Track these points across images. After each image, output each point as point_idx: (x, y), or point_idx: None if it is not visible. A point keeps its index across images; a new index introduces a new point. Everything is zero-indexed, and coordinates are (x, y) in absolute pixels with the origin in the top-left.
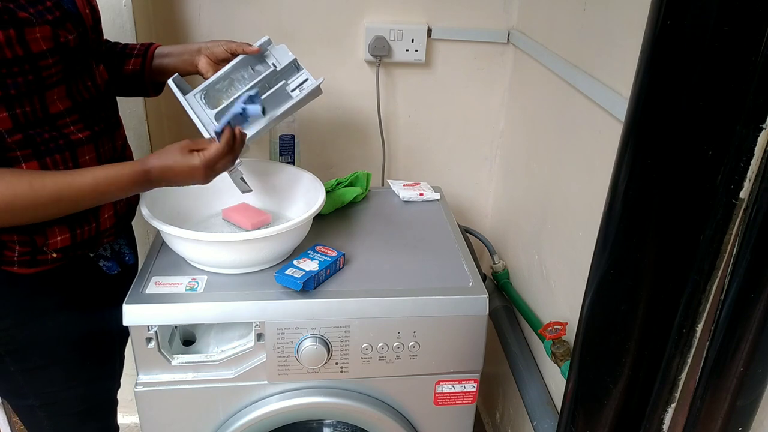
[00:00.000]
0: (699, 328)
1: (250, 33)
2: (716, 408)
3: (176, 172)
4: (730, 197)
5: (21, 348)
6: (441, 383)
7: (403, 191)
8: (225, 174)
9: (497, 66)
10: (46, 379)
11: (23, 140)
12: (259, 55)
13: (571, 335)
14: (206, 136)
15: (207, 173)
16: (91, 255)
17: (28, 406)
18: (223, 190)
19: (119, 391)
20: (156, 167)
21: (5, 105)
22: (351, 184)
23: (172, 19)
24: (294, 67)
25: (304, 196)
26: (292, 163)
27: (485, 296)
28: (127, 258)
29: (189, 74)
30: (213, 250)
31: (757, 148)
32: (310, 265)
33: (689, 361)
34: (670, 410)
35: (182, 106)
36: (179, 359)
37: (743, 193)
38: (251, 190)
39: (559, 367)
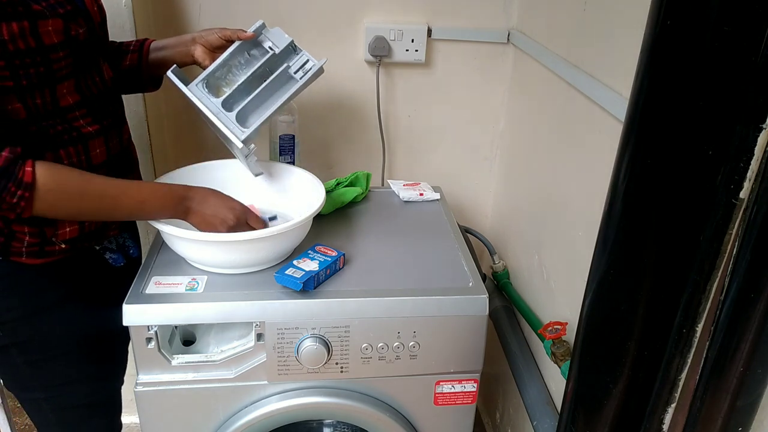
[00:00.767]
0: (699, 328)
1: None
2: (716, 408)
3: (213, 207)
4: (730, 197)
5: (28, 340)
6: (441, 383)
7: (403, 191)
8: (225, 174)
9: (497, 66)
10: (52, 371)
11: (37, 132)
12: (255, 41)
13: (571, 335)
14: (217, 124)
15: (239, 219)
16: (97, 247)
17: (34, 399)
18: (222, 190)
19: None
20: (199, 192)
21: (18, 96)
22: (351, 184)
23: (171, 19)
24: (291, 49)
25: (304, 196)
26: (292, 163)
27: (485, 296)
28: (131, 251)
29: (186, 65)
30: (213, 250)
31: (757, 148)
32: (310, 265)
33: (689, 361)
34: (670, 410)
35: (186, 99)
36: (179, 359)
37: (743, 193)
38: (263, 173)
39: (559, 367)
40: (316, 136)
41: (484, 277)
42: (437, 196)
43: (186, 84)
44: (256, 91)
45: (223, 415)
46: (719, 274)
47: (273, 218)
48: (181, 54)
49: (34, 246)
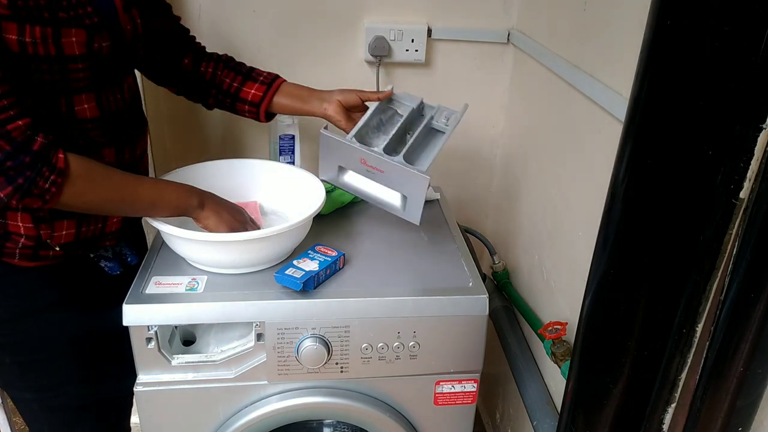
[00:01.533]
0: (699, 328)
1: (249, 33)
2: (716, 408)
3: (225, 210)
4: (730, 197)
5: (17, 341)
6: (441, 383)
7: None
8: (225, 174)
9: (497, 66)
10: (42, 373)
11: (54, 135)
12: (384, 104)
13: (571, 335)
14: (391, 163)
15: (243, 225)
16: (92, 255)
17: (25, 400)
18: (223, 190)
19: None
20: (213, 196)
21: (33, 99)
22: None
23: None
24: (422, 105)
25: (304, 196)
26: (292, 163)
27: (485, 296)
28: (129, 259)
29: (311, 116)
30: (213, 250)
31: (757, 148)
32: (310, 265)
33: (689, 361)
34: (670, 410)
35: (333, 149)
36: (179, 359)
37: (743, 193)
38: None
39: (559, 367)
40: (316, 136)
41: (484, 277)
42: (437, 196)
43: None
44: (411, 140)
45: (223, 415)
46: (719, 274)
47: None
48: (313, 108)
49: (28, 249)
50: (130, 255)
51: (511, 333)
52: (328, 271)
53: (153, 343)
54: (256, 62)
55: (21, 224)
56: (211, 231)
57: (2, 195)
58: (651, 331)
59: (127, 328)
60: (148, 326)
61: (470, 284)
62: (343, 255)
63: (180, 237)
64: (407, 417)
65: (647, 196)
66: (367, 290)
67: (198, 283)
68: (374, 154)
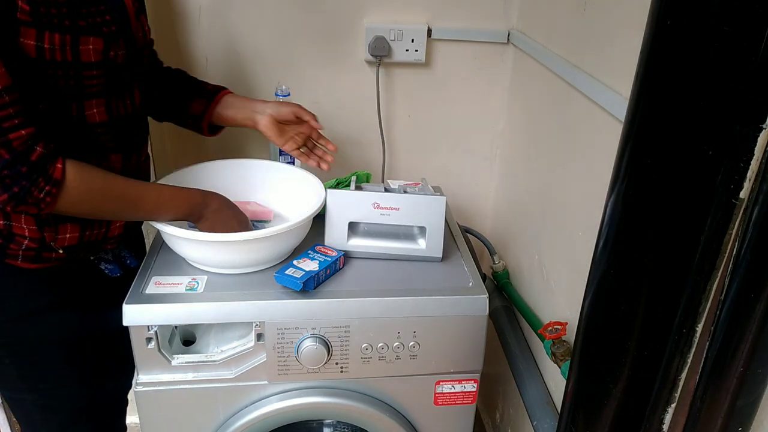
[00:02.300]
0: (699, 328)
1: (250, 33)
2: (716, 408)
3: (225, 217)
4: (730, 197)
5: (17, 342)
6: (441, 383)
7: None
8: (225, 174)
9: (497, 66)
10: (40, 374)
11: (62, 139)
12: None
13: (571, 335)
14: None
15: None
16: (92, 258)
17: (21, 400)
18: (223, 190)
19: None
20: (215, 202)
21: (46, 103)
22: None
23: (171, 19)
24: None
25: (304, 196)
26: (292, 163)
27: (485, 296)
28: (128, 261)
29: (243, 127)
30: (213, 250)
31: (757, 148)
32: (310, 265)
33: (689, 361)
34: (670, 410)
35: None
36: (179, 359)
37: (743, 193)
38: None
39: (559, 367)
40: None
41: (484, 277)
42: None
43: None
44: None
45: (223, 415)
46: (719, 274)
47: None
48: (245, 119)
49: (31, 251)
50: (129, 258)
51: (511, 333)
52: (328, 271)
53: (153, 343)
54: (256, 62)
55: (25, 226)
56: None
57: None
58: (651, 331)
59: (125, 328)
60: (148, 326)
61: (470, 284)
62: (343, 255)
63: (180, 237)
64: (407, 417)
65: (647, 196)
66: (367, 290)
67: (198, 283)
68: (389, 193)
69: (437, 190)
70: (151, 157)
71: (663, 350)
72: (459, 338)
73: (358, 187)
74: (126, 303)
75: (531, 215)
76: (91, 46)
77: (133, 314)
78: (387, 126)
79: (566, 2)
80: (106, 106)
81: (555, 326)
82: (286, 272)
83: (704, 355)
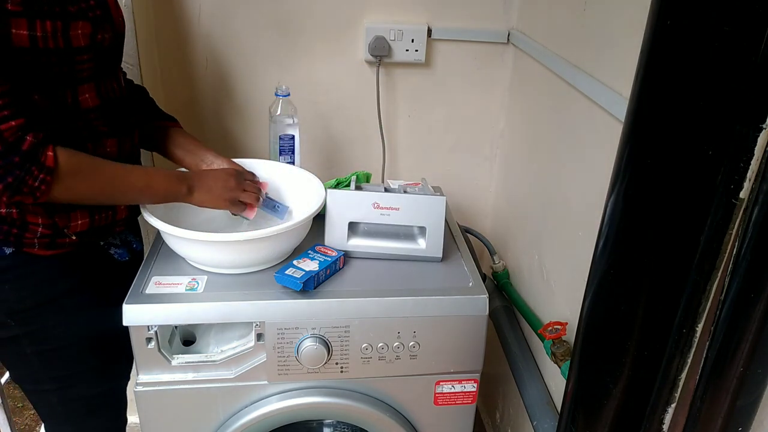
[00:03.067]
0: (699, 328)
1: (250, 33)
2: (716, 408)
3: (211, 176)
4: (730, 197)
5: (38, 330)
6: (441, 383)
7: None
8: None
9: (497, 66)
10: (61, 363)
11: (58, 126)
12: None
13: (571, 335)
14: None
15: (237, 178)
16: (102, 243)
17: (43, 391)
18: None
19: None
20: (195, 173)
21: (40, 92)
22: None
23: (172, 19)
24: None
25: (304, 196)
26: (292, 163)
27: (485, 296)
28: (134, 245)
29: (186, 168)
30: (213, 250)
31: (757, 148)
32: (310, 265)
33: (689, 361)
34: (670, 410)
35: None
36: (179, 359)
37: (743, 193)
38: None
39: (559, 367)
40: (316, 136)
41: (484, 277)
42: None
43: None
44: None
45: (223, 415)
46: (719, 274)
47: (281, 207)
48: (189, 164)
49: (46, 237)
50: (135, 242)
51: (511, 333)
52: (328, 271)
53: (153, 343)
54: (256, 62)
55: (39, 216)
56: (212, 208)
57: None
58: (651, 331)
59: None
60: (148, 326)
61: (470, 284)
62: (343, 255)
63: (180, 237)
64: (407, 417)
65: (647, 195)
66: (367, 290)
67: (198, 283)
68: (389, 193)
69: (437, 190)
70: (151, 156)
71: (663, 350)
72: (459, 338)
73: (358, 187)
74: (126, 303)
75: (531, 215)
76: (80, 31)
77: (133, 314)
78: (387, 126)
79: (566, 2)
80: (97, 90)
81: (555, 326)
82: (286, 272)
83: (704, 355)
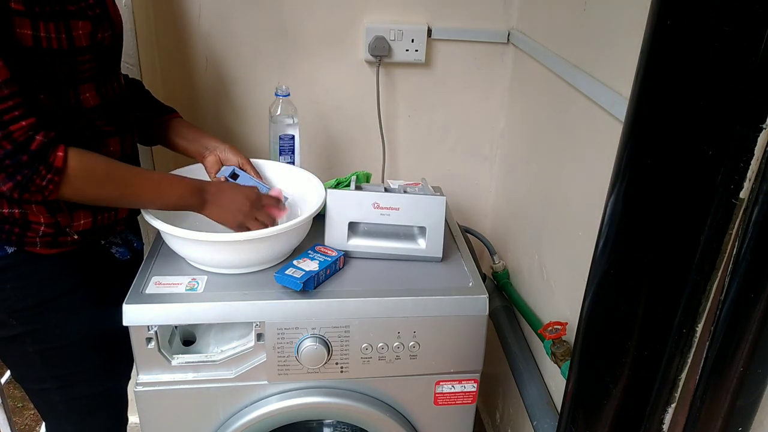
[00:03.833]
0: (699, 328)
1: (250, 33)
2: (716, 408)
3: (229, 195)
4: (730, 197)
5: (40, 329)
6: (441, 383)
7: None
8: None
9: (497, 66)
10: (63, 360)
11: (63, 126)
12: None
13: (571, 335)
14: None
15: (254, 204)
16: (103, 242)
17: (44, 390)
18: None
19: None
20: (213, 186)
21: (44, 92)
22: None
23: (172, 19)
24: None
25: (304, 196)
26: (292, 163)
27: (485, 296)
28: (135, 244)
29: (187, 156)
30: (213, 250)
31: (757, 148)
32: (310, 265)
33: (689, 361)
34: (670, 410)
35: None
36: (179, 359)
37: (743, 193)
38: None
39: (559, 367)
40: (316, 136)
41: (484, 277)
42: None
43: None
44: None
45: (223, 415)
46: (719, 274)
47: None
48: (193, 153)
49: (48, 236)
50: (136, 241)
51: (511, 333)
52: (328, 271)
53: (153, 343)
54: (256, 62)
55: (40, 214)
56: (217, 222)
57: (4, 189)
58: (651, 331)
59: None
60: (148, 326)
61: (470, 284)
62: (343, 255)
63: (180, 237)
64: (407, 417)
65: (647, 195)
66: (367, 290)
67: (198, 283)
68: (389, 193)
69: (437, 190)
70: (151, 155)
71: (663, 350)
72: (459, 338)
73: (358, 187)
74: (126, 303)
75: (531, 215)
76: (80, 31)
77: (133, 314)
78: (387, 126)
79: (566, 2)
80: (97, 89)
81: (555, 326)
82: (286, 272)
83: (704, 355)
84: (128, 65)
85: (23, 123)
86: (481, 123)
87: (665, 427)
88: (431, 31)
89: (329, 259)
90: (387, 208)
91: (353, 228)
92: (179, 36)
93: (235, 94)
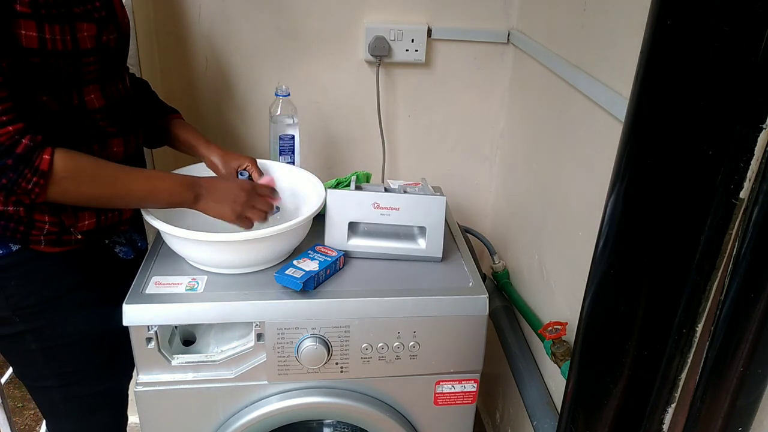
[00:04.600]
0: (699, 328)
1: (250, 33)
2: (716, 408)
3: (223, 187)
4: (730, 197)
5: (43, 327)
6: (441, 383)
7: None
8: None
9: (497, 66)
10: (66, 358)
11: (65, 127)
12: None
13: (571, 335)
14: None
15: (250, 193)
16: (107, 241)
17: (46, 388)
18: None
19: None
20: (206, 180)
21: (47, 93)
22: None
23: (172, 19)
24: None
25: (304, 196)
26: (292, 163)
27: (485, 296)
28: (139, 244)
29: (193, 155)
30: (213, 250)
31: (757, 148)
32: (310, 265)
33: (689, 361)
34: (670, 410)
35: None
36: (179, 359)
37: (743, 193)
38: None
39: (559, 367)
40: (316, 136)
41: (484, 277)
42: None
43: None
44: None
45: (223, 415)
46: (719, 274)
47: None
48: (198, 153)
49: (52, 235)
50: (140, 240)
51: (511, 333)
52: (328, 271)
53: (153, 343)
54: (256, 62)
55: (46, 215)
56: (215, 217)
57: None
58: (651, 331)
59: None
60: (148, 326)
61: (470, 284)
62: (343, 255)
63: (180, 237)
64: (407, 417)
65: (647, 195)
66: (367, 290)
67: (198, 283)
68: (389, 193)
69: (437, 190)
70: (151, 155)
71: (663, 350)
72: (459, 338)
73: (358, 187)
74: (126, 303)
75: (531, 215)
76: (85, 33)
77: (133, 314)
78: (387, 126)
79: (566, 2)
80: (102, 91)
81: (555, 326)
82: (286, 272)
83: (704, 355)
84: (128, 65)
85: (10, 128)
86: (481, 123)
87: (665, 427)
88: (431, 31)
89: (329, 259)
90: (387, 208)
91: (353, 228)
92: (179, 36)
93: (235, 94)
